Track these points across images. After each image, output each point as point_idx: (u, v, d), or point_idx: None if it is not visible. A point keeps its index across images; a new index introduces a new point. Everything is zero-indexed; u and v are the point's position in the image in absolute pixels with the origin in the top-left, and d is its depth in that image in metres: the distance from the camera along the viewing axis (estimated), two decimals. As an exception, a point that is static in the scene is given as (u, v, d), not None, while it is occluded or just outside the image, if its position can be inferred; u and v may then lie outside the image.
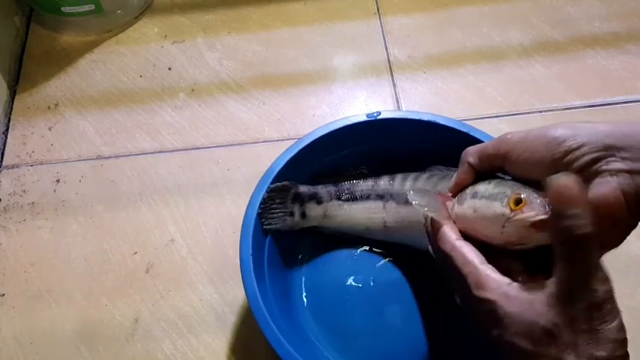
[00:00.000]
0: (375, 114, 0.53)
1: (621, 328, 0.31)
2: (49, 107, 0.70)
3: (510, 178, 0.38)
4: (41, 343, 0.54)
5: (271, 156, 0.64)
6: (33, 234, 0.60)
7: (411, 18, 0.77)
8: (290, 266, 0.55)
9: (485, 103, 0.68)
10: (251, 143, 0.66)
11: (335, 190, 0.54)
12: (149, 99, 0.70)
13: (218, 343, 0.54)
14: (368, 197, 0.53)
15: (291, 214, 0.53)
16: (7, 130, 0.68)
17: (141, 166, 0.65)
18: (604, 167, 0.32)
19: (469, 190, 0.39)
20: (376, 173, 0.54)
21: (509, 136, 0.36)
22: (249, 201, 0.50)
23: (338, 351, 0.51)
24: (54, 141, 0.67)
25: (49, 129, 0.68)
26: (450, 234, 0.37)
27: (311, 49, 0.74)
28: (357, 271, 0.55)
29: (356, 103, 0.69)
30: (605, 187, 0.31)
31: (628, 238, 0.60)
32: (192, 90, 0.71)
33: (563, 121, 0.35)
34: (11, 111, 0.70)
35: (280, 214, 0.52)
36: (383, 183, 0.53)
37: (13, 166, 0.65)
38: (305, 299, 0.54)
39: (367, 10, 0.78)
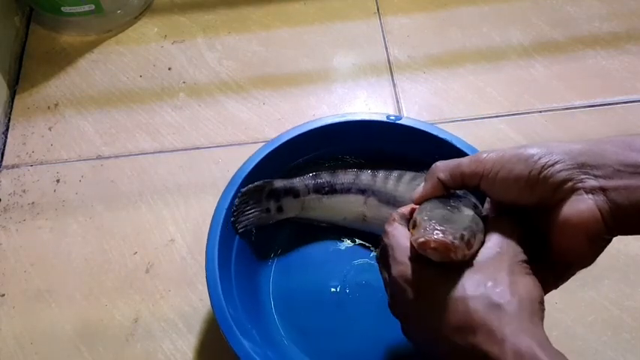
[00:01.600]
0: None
1: (537, 281, 0.34)
2: (49, 107, 0.70)
3: (454, 199, 0.40)
4: (41, 343, 0.54)
5: (271, 156, 0.65)
6: (33, 234, 0.60)
7: (411, 18, 0.77)
8: (260, 262, 0.55)
9: (486, 103, 0.68)
10: (251, 143, 0.66)
11: (313, 183, 0.54)
12: (149, 99, 0.70)
13: (218, 343, 0.54)
14: (349, 190, 0.53)
15: (267, 210, 0.53)
16: (7, 130, 0.68)
17: (141, 166, 0.65)
18: (579, 185, 0.33)
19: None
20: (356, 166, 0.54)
21: (484, 155, 0.37)
22: (221, 196, 0.50)
23: (302, 349, 0.51)
24: (54, 141, 0.67)
25: (49, 129, 0.68)
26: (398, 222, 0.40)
27: (311, 49, 0.74)
28: (328, 270, 0.55)
29: (356, 103, 0.69)
30: (581, 204, 0.33)
31: (628, 238, 0.60)
32: (192, 90, 0.71)
33: (538, 142, 0.37)
34: (11, 111, 0.70)
35: (255, 213, 0.52)
36: (365, 177, 0.53)
37: (13, 166, 0.65)
38: (272, 297, 0.53)
39: (367, 10, 0.78)
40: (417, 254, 0.36)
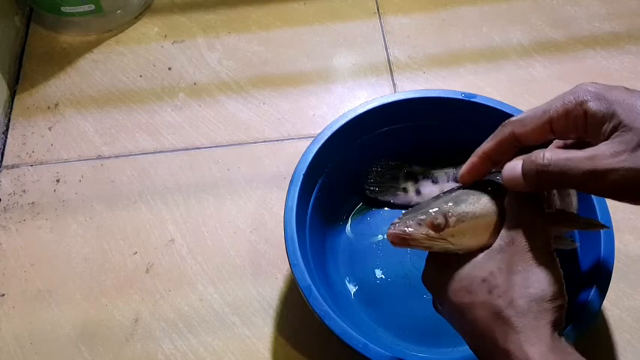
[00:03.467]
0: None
1: (556, 270, 0.33)
2: (49, 107, 0.70)
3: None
4: (41, 343, 0.54)
5: (271, 156, 0.65)
6: (33, 234, 0.60)
7: (411, 18, 0.77)
8: (332, 224, 0.57)
9: (485, 103, 0.68)
10: (251, 143, 0.66)
11: (453, 171, 0.55)
12: (149, 99, 0.70)
13: (218, 343, 0.54)
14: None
15: (404, 189, 0.54)
16: (7, 130, 0.68)
17: (141, 166, 0.65)
18: None
19: None
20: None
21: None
22: (299, 161, 0.51)
23: (368, 314, 0.53)
24: (54, 141, 0.67)
25: (49, 129, 0.68)
26: None
27: (311, 49, 0.74)
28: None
29: (356, 103, 0.69)
30: None
31: (628, 237, 0.60)
32: (192, 90, 0.71)
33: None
34: (11, 111, 0.70)
35: (391, 189, 0.55)
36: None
37: (13, 166, 0.65)
38: (341, 262, 0.56)
39: (367, 10, 0.78)
40: (430, 256, 0.37)
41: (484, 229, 0.35)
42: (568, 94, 0.33)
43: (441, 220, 0.34)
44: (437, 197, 0.38)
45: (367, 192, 0.56)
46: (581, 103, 0.32)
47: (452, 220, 0.34)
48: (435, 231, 0.34)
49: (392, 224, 0.35)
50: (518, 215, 0.34)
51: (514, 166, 0.34)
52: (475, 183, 0.38)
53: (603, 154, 0.30)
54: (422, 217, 0.34)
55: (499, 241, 0.34)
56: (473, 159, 0.37)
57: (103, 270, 0.58)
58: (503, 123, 0.36)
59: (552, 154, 0.32)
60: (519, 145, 0.35)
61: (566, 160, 0.31)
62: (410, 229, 0.34)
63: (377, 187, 0.56)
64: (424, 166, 0.56)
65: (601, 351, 0.53)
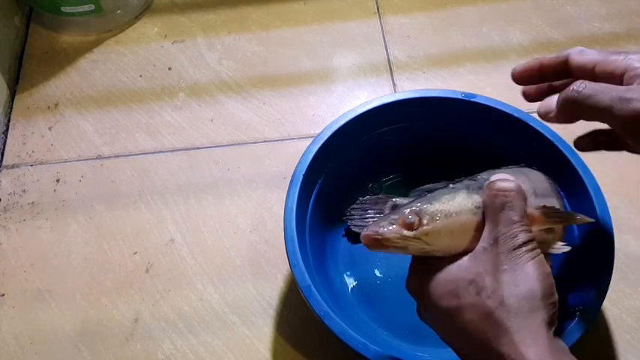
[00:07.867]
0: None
1: (543, 267, 0.33)
2: (49, 107, 0.70)
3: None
4: (41, 343, 0.54)
5: (271, 156, 0.65)
6: (33, 234, 0.60)
7: (411, 18, 0.77)
8: (332, 224, 0.56)
9: (485, 103, 0.68)
10: (251, 143, 0.66)
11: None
12: (149, 99, 0.70)
13: (218, 343, 0.54)
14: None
15: None
16: (7, 130, 0.68)
17: (141, 166, 0.65)
18: None
19: None
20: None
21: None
22: (297, 166, 0.51)
23: (368, 314, 0.53)
24: (54, 141, 0.67)
25: (49, 129, 0.68)
26: None
27: (311, 49, 0.74)
28: None
29: (356, 103, 0.69)
30: None
31: (628, 237, 0.60)
32: (192, 90, 0.71)
33: None
34: (11, 111, 0.70)
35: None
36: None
37: (13, 166, 0.65)
38: (340, 261, 0.56)
39: (367, 10, 0.78)
40: (414, 261, 0.36)
41: (460, 229, 0.34)
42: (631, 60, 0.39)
43: (413, 218, 0.33)
44: (414, 198, 0.37)
45: (352, 227, 0.55)
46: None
47: (425, 219, 0.33)
48: (409, 230, 0.33)
49: (365, 227, 0.34)
50: (499, 214, 0.33)
51: (550, 99, 0.40)
52: (455, 182, 0.37)
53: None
54: (394, 217, 0.33)
55: (482, 243, 0.33)
56: (530, 62, 0.42)
57: (103, 270, 0.58)
58: (568, 50, 0.43)
59: (588, 82, 0.38)
60: (567, 74, 0.42)
61: (599, 85, 0.37)
62: (382, 229, 0.33)
63: (361, 223, 0.55)
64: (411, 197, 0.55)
65: (601, 351, 0.53)
